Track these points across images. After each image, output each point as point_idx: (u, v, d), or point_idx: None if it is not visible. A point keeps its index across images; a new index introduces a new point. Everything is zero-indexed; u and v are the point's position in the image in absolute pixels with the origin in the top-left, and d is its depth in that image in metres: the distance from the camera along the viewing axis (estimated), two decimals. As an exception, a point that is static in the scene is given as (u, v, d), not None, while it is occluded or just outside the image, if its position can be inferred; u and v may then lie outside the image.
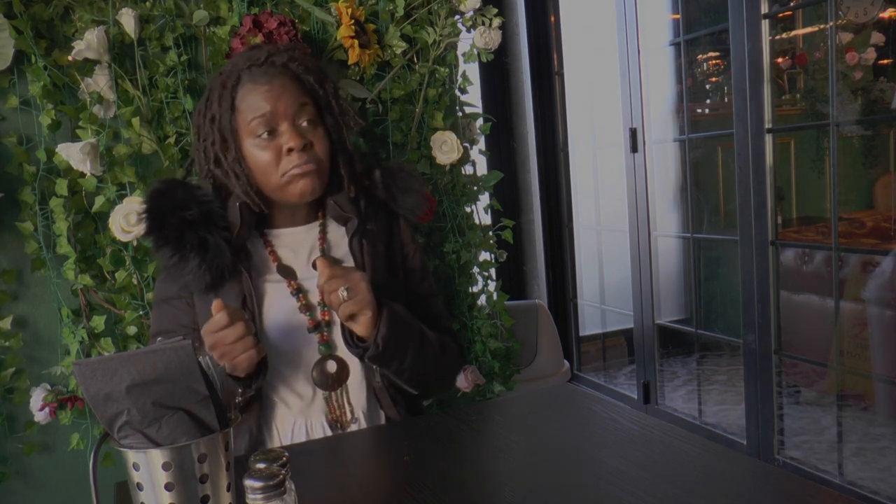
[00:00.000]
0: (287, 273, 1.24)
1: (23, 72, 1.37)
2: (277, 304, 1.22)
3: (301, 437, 1.20)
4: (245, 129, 1.19)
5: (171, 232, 1.17)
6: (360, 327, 1.15)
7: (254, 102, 1.18)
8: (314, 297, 1.23)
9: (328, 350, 1.21)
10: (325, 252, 1.27)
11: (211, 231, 1.18)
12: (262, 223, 1.28)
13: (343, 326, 1.19)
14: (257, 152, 1.20)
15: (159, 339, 1.18)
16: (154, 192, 1.21)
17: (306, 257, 1.26)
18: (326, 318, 1.23)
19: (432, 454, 1.01)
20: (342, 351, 1.22)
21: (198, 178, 1.28)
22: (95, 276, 1.42)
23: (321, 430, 1.21)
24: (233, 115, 1.20)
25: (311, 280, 1.23)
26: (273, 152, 1.19)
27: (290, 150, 1.19)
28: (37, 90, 1.35)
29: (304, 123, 1.21)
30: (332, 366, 1.21)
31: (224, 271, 1.19)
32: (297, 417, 1.21)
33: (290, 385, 1.21)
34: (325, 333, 1.22)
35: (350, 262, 1.26)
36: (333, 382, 1.21)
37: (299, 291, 1.23)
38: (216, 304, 1.06)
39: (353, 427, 1.22)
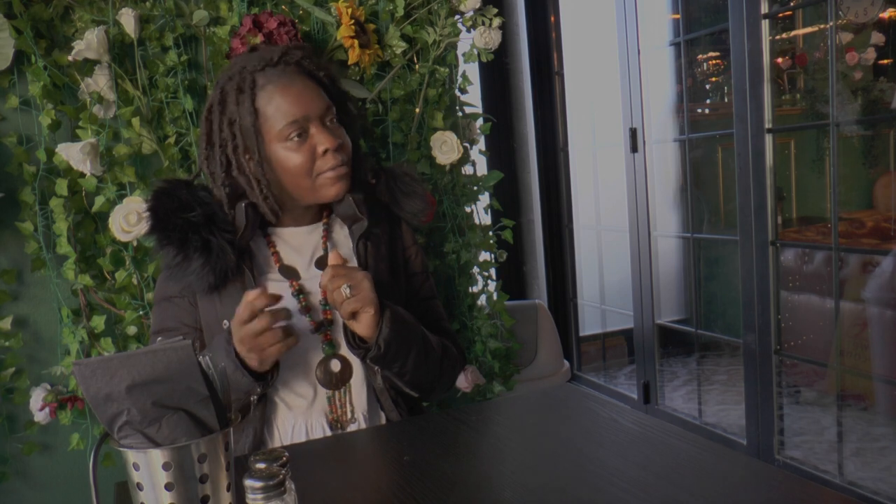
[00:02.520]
0: (289, 273, 1.23)
1: (23, 72, 1.37)
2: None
3: (301, 438, 1.20)
4: (272, 132, 1.17)
5: (175, 233, 1.16)
6: (362, 327, 1.14)
7: (282, 106, 1.17)
8: (315, 298, 1.22)
9: (332, 349, 1.21)
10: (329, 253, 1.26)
11: (214, 232, 1.17)
12: (266, 222, 1.27)
13: (345, 327, 1.18)
14: (289, 155, 1.18)
15: (160, 338, 1.18)
16: (157, 192, 1.20)
17: (309, 258, 1.26)
18: (329, 317, 1.22)
19: (432, 454, 1.01)
20: (346, 350, 1.21)
21: (200, 181, 1.27)
22: (95, 276, 1.42)
23: (321, 430, 1.21)
24: (256, 118, 1.18)
25: (313, 280, 1.22)
26: (306, 154, 1.18)
27: (325, 151, 1.18)
28: (37, 90, 1.35)
29: (330, 123, 1.21)
30: (335, 365, 1.21)
31: (227, 272, 1.18)
32: (298, 418, 1.21)
33: (292, 386, 1.21)
34: (329, 333, 1.22)
35: (354, 264, 1.25)
36: (337, 381, 1.21)
37: (301, 293, 1.22)
38: (247, 294, 1.06)
39: (353, 427, 1.22)
